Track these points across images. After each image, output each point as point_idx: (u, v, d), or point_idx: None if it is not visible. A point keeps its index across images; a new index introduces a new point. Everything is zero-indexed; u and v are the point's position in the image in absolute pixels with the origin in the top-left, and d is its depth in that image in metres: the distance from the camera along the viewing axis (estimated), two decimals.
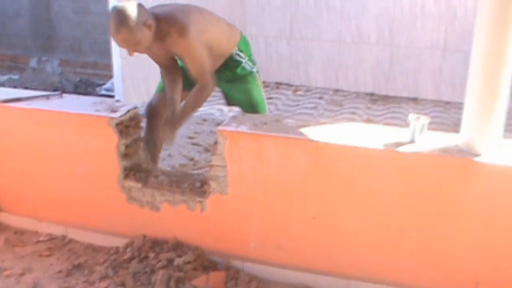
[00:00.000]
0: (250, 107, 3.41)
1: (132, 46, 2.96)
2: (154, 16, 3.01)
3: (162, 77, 3.40)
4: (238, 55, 3.36)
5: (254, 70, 3.44)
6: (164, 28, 3.03)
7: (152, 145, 3.41)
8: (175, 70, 3.34)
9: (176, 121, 3.19)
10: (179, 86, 3.33)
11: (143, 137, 3.34)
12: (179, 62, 3.34)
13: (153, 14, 3.02)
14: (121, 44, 2.95)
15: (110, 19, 2.92)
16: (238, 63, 3.37)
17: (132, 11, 2.88)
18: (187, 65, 3.16)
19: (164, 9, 3.16)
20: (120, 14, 2.87)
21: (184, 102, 3.25)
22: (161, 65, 3.38)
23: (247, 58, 3.39)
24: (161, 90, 3.45)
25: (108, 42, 5.82)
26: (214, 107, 5.83)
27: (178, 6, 3.24)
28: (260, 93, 3.49)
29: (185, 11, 3.15)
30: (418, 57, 6.26)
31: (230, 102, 3.62)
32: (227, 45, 3.33)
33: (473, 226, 2.67)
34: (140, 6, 2.96)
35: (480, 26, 2.50)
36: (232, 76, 3.40)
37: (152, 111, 3.44)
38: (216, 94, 6.06)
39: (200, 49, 3.08)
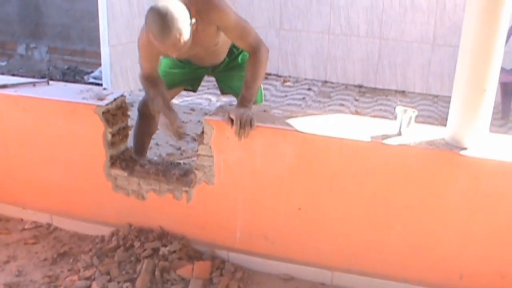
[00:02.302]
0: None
1: (178, 49, 2.66)
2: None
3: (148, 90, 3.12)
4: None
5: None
6: (204, 17, 2.79)
7: (142, 138, 3.42)
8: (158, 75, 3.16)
9: (250, 101, 2.91)
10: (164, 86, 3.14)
11: (133, 132, 3.34)
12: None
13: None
14: (168, 49, 2.64)
15: (152, 22, 2.58)
16: (240, 51, 3.30)
17: (179, 12, 2.58)
18: (237, 40, 3.00)
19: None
20: (167, 17, 2.53)
21: (247, 80, 2.94)
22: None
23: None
24: None
25: (97, 29, 5.80)
26: (202, 96, 5.82)
27: None
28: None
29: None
30: (407, 50, 6.27)
31: (225, 91, 3.54)
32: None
33: (457, 219, 2.69)
34: (179, 2, 2.66)
35: (469, 20, 2.51)
36: (232, 64, 3.34)
37: (146, 109, 3.30)
38: (204, 84, 6.06)
39: (244, 20, 2.97)
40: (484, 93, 2.53)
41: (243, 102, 2.89)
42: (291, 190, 2.86)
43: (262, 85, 3.31)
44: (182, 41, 2.60)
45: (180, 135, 2.97)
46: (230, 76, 3.39)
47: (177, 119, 2.92)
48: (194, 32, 2.73)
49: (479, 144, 2.61)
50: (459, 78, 2.60)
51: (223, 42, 3.07)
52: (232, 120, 2.75)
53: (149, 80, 3.05)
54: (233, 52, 3.30)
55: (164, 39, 2.56)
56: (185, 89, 3.53)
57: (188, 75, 3.41)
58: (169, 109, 2.96)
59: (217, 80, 3.52)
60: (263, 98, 3.47)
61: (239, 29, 2.95)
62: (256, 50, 2.96)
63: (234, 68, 3.35)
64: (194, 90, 3.58)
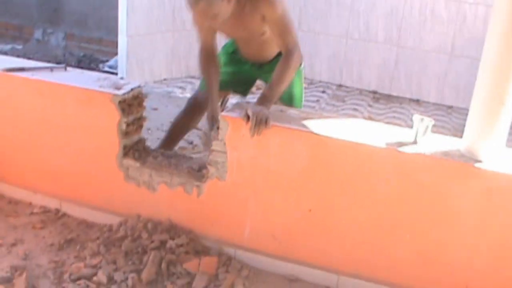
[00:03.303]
0: (288, 99, 3.33)
1: (209, 18, 2.85)
2: None
3: (203, 72, 3.32)
4: None
5: (302, 65, 3.35)
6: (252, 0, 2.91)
7: (179, 131, 3.50)
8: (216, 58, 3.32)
9: (270, 101, 2.95)
10: (218, 78, 3.31)
11: (173, 121, 3.47)
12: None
13: None
14: (199, 15, 2.91)
15: None
16: None
17: None
18: (276, 36, 3.03)
19: None
20: None
21: (274, 79, 2.99)
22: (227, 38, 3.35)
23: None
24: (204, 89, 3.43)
25: (115, 19, 5.81)
26: None
27: None
28: (301, 89, 3.45)
29: None
30: (424, 59, 6.24)
31: (245, 92, 3.62)
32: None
33: (467, 231, 2.68)
34: None
35: (492, 32, 2.50)
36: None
37: (196, 103, 3.47)
38: None
39: (290, 17, 3.01)
40: (503, 107, 2.51)
41: (263, 100, 2.90)
42: (303, 191, 2.85)
43: (303, 93, 3.43)
44: (212, 10, 2.74)
45: (206, 144, 3.06)
46: None
47: (211, 130, 3.08)
48: (238, 12, 2.89)
49: (495, 158, 2.60)
50: (478, 90, 2.59)
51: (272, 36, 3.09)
52: (248, 117, 2.75)
53: (205, 57, 3.26)
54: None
55: (193, 3, 2.75)
56: (235, 91, 3.57)
57: (239, 75, 3.46)
58: (211, 118, 3.19)
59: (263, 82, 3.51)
60: (301, 105, 3.50)
61: (281, 25, 2.98)
62: (290, 53, 2.98)
63: None
64: (245, 94, 3.63)
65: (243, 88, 3.58)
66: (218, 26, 3.09)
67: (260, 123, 2.74)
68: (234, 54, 3.49)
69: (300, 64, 3.28)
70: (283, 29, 2.99)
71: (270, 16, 2.94)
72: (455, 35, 6.05)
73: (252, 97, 5.33)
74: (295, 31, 3.05)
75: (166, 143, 3.49)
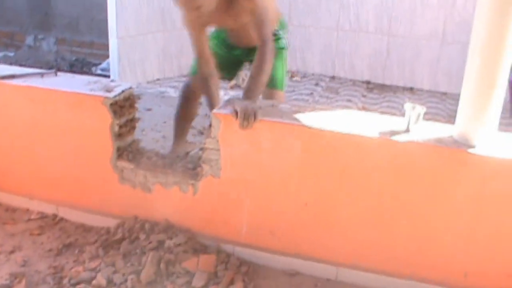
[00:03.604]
0: (271, 81, 3.32)
1: (194, 10, 2.93)
2: None
3: (198, 59, 3.34)
4: (278, 31, 3.44)
5: (286, 47, 3.52)
6: None
7: (183, 122, 3.57)
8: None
9: (255, 93, 3.02)
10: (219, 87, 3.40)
11: (175, 114, 3.51)
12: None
13: None
14: (184, 7, 2.95)
15: None
16: (278, 37, 3.42)
17: None
18: (255, 26, 3.08)
19: None
20: None
21: (253, 71, 3.05)
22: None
23: (284, 35, 3.48)
24: (195, 73, 3.47)
25: (105, 21, 5.80)
26: None
27: None
28: (283, 71, 3.53)
29: None
30: (416, 47, 6.24)
31: (231, 75, 3.71)
32: (274, 17, 3.34)
33: (463, 217, 2.68)
34: None
35: (479, 17, 2.50)
36: None
37: (189, 92, 3.57)
38: None
39: (269, 11, 3.09)
40: (493, 90, 2.51)
41: (248, 94, 2.95)
42: (298, 185, 2.85)
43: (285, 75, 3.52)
44: (194, 3, 2.85)
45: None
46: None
47: None
48: (225, 4, 3.00)
49: (487, 143, 2.60)
50: (468, 75, 2.58)
51: None
52: (237, 112, 2.76)
53: (204, 68, 3.29)
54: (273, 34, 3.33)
55: None
56: (223, 78, 3.55)
57: (229, 59, 3.54)
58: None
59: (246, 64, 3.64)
60: (283, 87, 3.56)
61: (259, 17, 3.03)
62: (264, 44, 3.01)
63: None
64: (230, 79, 3.77)
65: (232, 72, 3.69)
66: (207, 20, 3.14)
67: (248, 117, 2.76)
68: (225, 39, 3.56)
69: (283, 48, 3.45)
70: (260, 20, 3.03)
71: (250, 6, 3.02)
72: (446, 20, 6.05)
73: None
74: (272, 26, 3.12)
75: (177, 140, 3.51)
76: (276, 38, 3.40)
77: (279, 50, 3.45)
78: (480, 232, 2.68)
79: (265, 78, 3.02)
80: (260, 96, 3.23)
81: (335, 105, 5.63)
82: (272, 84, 3.40)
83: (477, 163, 2.58)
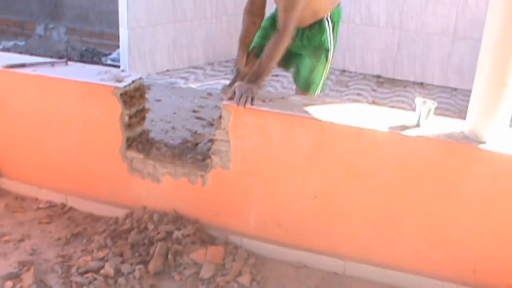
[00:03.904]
0: (305, 83, 3.37)
1: None
2: None
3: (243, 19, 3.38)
4: (328, 21, 3.29)
5: (331, 49, 3.34)
6: None
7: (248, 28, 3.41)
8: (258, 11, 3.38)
9: (258, 77, 2.99)
10: (255, 29, 3.39)
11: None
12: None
13: None
14: None
15: None
16: (323, 30, 3.30)
17: None
18: (279, 11, 3.08)
19: None
20: None
21: (262, 56, 3.05)
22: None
23: (332, 30, 3.31)
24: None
25: (115, 12, 5.80)
26: (219, 81, 5.81)
27: None
28: (322, 76, 3.39)
29: None
30: (427, 42, 6.21)
31: (286, 65, 3.54)
32: (325, 5, 3.28)
33: (473, 213, 2.67)
34: None
35: (492, 13, 2.48)
36: (308, 42, 3.34)
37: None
38: (222, 69, 6.04)
39: (296, 4, 3.00)
40: (505, 87, 2.50)
41: (252, 77, 2.97)
42: (307, 178, 2.85)
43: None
44: None
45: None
46: (301, 55, 3.40)
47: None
48: None
49: (498, 139, 2.59)
50: (480, 71, 2.57)
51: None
52: (234, 93, 2.83)
53: (248, 5, 3.36)
54: (320, 25, 3.30)
55: None
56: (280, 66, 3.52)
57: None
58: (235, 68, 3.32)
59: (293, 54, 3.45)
60: (316, 91, 3.45)
61: (287, 3, 2.99)
62: (281, 31, 2.99)
63: (308, 47, 3.35)
64: (286, 68, 3.65)
65: (287, 61, 3.42)
66: None
67: (246, 96, 2.80)
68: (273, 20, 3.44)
69: (328, 50, 3.32)
70: (286, 6, 2.99)
71: None
72: (457, 16, 6.00)
73: None
74: (295, 17, 3.00)
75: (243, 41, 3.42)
76: (321, 31, 3.30)
77: (324, 51, 3.34)
78: (489, 228, 2.67)
79: (271, 64, 3.03)
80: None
81: (345, 99, 5.61)
82: (306, 87, 3.38)
83: (487, 159, 2.57)
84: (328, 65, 3.39)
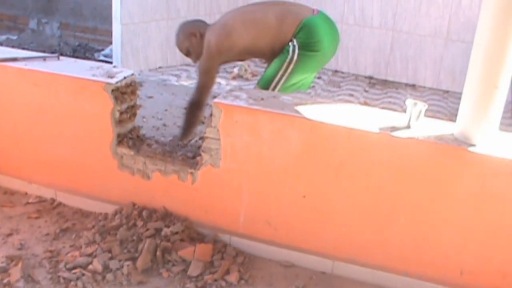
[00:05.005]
0: (264, 79, 3.66)
1: (184, 52, 3.73)
2: (205, 29, 3.61)
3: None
4: (293, 41, 3.55)
5: (292, 52, 3.54)
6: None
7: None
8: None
9: (182, 134, 3.66)
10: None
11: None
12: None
13: (206, 27, 3.65)
14: (180, 51, 3.76)
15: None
16: (288, 46, 3.56)
17: (183, 26, 3.74)
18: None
19: (220, 19, 3.73)
20: (177, 28, 3.76)
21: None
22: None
23: (298, 44, 3.53)
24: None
25: (109, 7, 5.78)
26: None
27: (228, 16, 3.72)
28: (275, 71, 3.59)
29: (224, 23, 3.60)
30: (420, 44, 6.22)
31: None
32: (274, 41, 3.56)
33: (461, 215, 2.68)
34: (193, 22, 3.80)
35: (484, 16, 2.49)
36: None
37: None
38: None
39: (208, 74, 3.53)
40: (495, 90, 2.50)
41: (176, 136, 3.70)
42: (297, 177, 2.85)
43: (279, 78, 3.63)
44: (182, 47, 3.72)
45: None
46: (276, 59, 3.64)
47: None
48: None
49: (488, 142, 2.60)
50: (471, 73, 2.58)
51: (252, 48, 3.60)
52: None
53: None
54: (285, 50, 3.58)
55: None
56: None
57: None
58: None
59: None
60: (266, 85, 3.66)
61: (199, 70, 3.58)
62: (192, 95, 3.59)
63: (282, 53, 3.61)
64: None
65: None
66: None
67: None
68: None
69: (287, 51, 3.54)
70: (198, 73, 3.62)
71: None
72: (450, 19, 6.02)
73: (247, 84, 5.34)
74: (207, 85, 3.57)
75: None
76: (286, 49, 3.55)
77: (284, 51, 3.56)
78: (477, 230, 2.68)
79: (192, 126, 3.66)
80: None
81: (336, 99, 5.62)
82: (261, 83, 3.65)
83: (476, 162, 2.58)
84: (286, 66, 3.57)
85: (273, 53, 3.60)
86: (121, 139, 3.14)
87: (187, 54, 3.72)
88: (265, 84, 3.61)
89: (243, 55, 3.70)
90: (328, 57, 3.66)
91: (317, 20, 3.56)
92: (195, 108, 3.58)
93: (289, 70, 3.55)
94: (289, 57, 3.52)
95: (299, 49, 3.51)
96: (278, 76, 3.57)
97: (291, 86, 3.61)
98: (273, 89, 3.58)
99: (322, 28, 3.55)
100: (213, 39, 3.49)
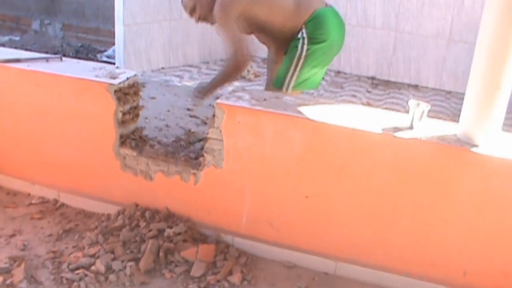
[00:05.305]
0: (277, 79, 3.56)
1: (189, 11, 3.51)
2: None
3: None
4: (302, 32, 3.45)
5: (300, 48, 3.45)
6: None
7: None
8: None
9: (206, 89, 3.43)
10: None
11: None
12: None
13: None
14: (184, 8, 3.56)
15: None
16: (297, 40, 3.46)
17: None
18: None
19: None
20: None
21: (218, 73, 3.46)
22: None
23: (307, 36, 3.44)
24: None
25: (112, 8, 5.78)
26: None
27: None
28: (286, 69, 3.50)
29: None
30: (422, 45, 6.21)
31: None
32: (286, 23, 3.45)
33: (464, 216, 2.68)
34: None
35: (487, 17, 2.49)
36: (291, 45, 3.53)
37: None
38: (216, 68, 6.04)
39: (229, 27, 3.25)
40: (498, 91, 2.50)
41: (201, 88, 3.44)
42: (299, 178, 2.85)
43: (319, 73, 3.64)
44: (188, 5, 3.51)
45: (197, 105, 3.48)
46: (287, 55, 3.54)
47: None
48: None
49: (491, 142, 2.59)
50: (474, 74, 2.58)
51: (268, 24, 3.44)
52: None
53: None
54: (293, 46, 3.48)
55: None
56: None
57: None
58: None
59: None
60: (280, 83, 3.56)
61: (222, 33, 3.32)
62: (227, 59, 3.35)
63: (293, 48, 3.50)
64: None
65: None
66: (204, 21, 3.53)
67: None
68: None
69: (296, 47, 3.45)
70: (223, 36, 3.32)
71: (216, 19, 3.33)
72: (453, 20, 6.02)
73: (250, 85, 5.34)
74: (236, 41, 3.26)
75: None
76: (296, 40, 3.46)
77: (293, 48, 3.48)
78: (480, 231, 2.68)
79: (217, 84, 3.41)
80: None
81: (339, 100, 5.62)
82: (275, 82, 3.53)
83: (479, 162, 2.57)
84: (297, 62, 3.48)
85: (282, 35, 3.51)
86: (123, 140, 3.14)
87: (192, 11, 3.50)
88: (279, 84, 3.54)
89: (252, 26, 3.46)
90: (335, 50, 3.60)
91: (328, 12, 3.54)
92: (231, 69, 3.32)
93: (299, 65, 3.49)
94: (298, 53, 3.45)
95: (308, 43, 3.45)
96: (290, 73, 3.51)
97: (303, 82, 3.55)
98: (287, 88, 3.52)
99: (331, 19, 3.52)
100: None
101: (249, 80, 5.87)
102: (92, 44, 7.03)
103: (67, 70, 3.20)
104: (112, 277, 2.77)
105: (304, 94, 3.78)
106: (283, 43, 3.55)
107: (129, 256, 2.89)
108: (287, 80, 3.49)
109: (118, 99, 3.04)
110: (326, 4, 3.58)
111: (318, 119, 2.74)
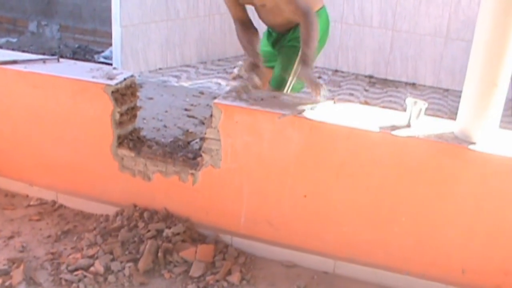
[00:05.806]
0: (276, 81, 3.42)
1: None
2: None
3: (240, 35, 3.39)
4: None
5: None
6: None
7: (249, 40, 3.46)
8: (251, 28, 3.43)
9: (309, 57, 3.16)
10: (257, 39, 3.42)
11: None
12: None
13: None
14: None
15: None
16: (298, 38, 3.33)
17: None
18: (289, 11, 3.22)
19: None
20: None
21: (302, 39, 3.18)
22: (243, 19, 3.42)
23: None
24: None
25: (108, 9, 5.79)
26: (211, 80, 5.81)
27: None
28: (286, 69, 3.42)
29: None
30: (420, 43, 6.22)
31: (271, 64, 3.59)
32: (292, 15, 3.32)
33: (462, 213, 2.68)
34: None
35: (483, 14, 2.49)
36: (285, 43, 3.48)
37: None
38: (214, 68, 6.04)
39: None
40: (495, 88, 2.51)
41: (305, 58, 3.12)
42: (297, 177, 2.85)
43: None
44: None
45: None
46: (281, 54, 3.49)
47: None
48: None
49: (488, 140, 2.60)
50: (471, 72, 2.58)
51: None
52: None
53: (240, 26, 3.36)
54: (295, 29, 3.40)
55: None
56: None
57: (269, 52, 3.57)
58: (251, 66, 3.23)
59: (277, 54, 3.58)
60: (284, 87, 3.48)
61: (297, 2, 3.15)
62: (305, 14, 3.13)
63: (285, 49, 3.47)
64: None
65: (272, 61, 3.61)
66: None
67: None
68: (268, 34, 3.64)
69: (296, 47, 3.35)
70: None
71: None
72: (450, 18, 6.02)
73: None
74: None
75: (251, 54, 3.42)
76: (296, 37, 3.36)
77: (296, 50, 3.38)
78: (479, 229, 2.68)
79: (314, 43, 3.14)
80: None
81: (337, 99, 5.61)
82: (277, 85, 3.40)
83: (477, 160, 2.58)
84: (298, 62, 3.39)
85: (286, 20, 3.40)
86: (121, 141, 3.14)
87: None
88: (279, 84, 3.44)
89: (275, 8, 3.36)
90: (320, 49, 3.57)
91: (326, 13, 3.55)
92: (317, 21, 3.20)
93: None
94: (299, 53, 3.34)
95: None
96: (292, 74, 3.44)
97: (301, 83, 3.54)
98: (288, 89, 3.45)
99: (328, 20, 3.54)
100: None
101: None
102: (89, 45, 7.02)
103: (64, 71, 3.19)
104: (111, 278, 2.77)
105: (302, 93, 3.76)
106: (281, 29, 3.50)
107: (128, 256, 2.88)
108: (288, 82, 3.45)
109: (116, 100, 3.04)
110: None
111: (315, 118, 2.74)
